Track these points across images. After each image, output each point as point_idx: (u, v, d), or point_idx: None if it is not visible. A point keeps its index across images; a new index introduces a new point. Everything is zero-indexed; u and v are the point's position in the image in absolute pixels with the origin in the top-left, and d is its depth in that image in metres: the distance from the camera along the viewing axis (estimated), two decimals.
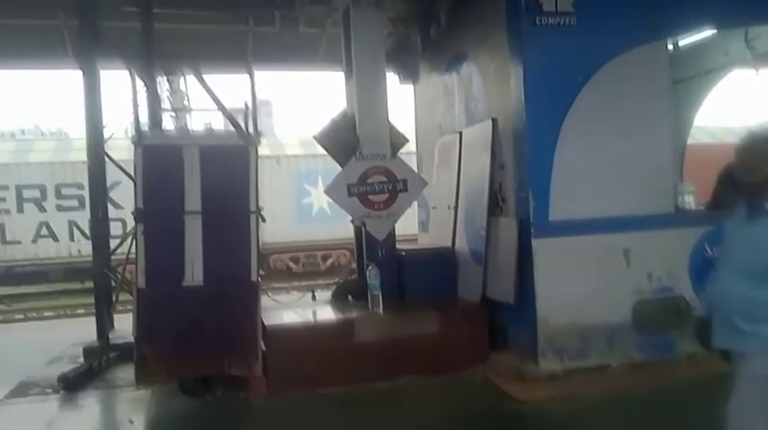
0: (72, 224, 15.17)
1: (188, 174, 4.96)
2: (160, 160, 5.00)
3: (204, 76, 5.65)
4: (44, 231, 15.20)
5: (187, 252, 4.89)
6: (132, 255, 5.18)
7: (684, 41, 6.99)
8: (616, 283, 5.14)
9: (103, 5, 6.92)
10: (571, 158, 5.09)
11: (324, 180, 14.35)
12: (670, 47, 6.12)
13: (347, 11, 6.08)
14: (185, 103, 12.80)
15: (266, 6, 7.84)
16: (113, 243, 7.23)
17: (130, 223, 5.76)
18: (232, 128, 5.36)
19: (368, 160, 5.84)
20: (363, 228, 5.89)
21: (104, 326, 6.67)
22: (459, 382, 5.12)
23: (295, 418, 4.63)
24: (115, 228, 8.45)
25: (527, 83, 5.07)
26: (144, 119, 7.12)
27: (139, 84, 7.04)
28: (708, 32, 6.33)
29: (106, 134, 6.95)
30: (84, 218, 12.37)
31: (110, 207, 7.25)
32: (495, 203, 5.63)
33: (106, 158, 6.97)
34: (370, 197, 5.84)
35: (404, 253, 6.11)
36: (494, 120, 5.67)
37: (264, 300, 5.58)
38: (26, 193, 15.12)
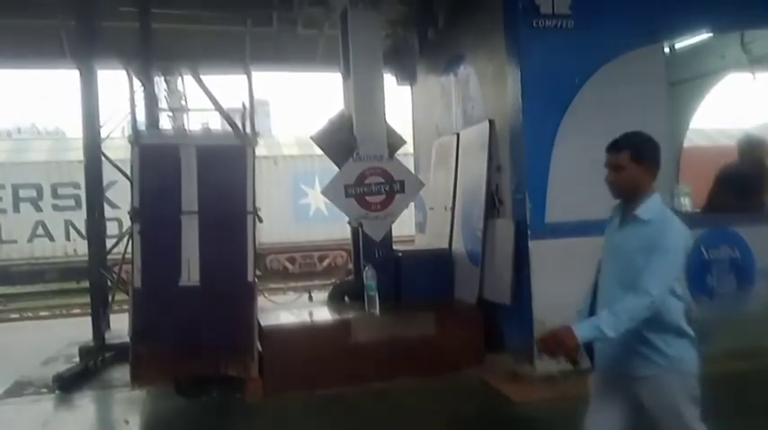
0: (68, 223, 15.12)
1: (185, 174, 4.95)
2: (157, 160, 5.00)
3: (202, 77, 5.65)
4: (40, 231, 15.15)
5: (183, 252, 4.89)
6: (128, 255, 5.18)
7: (681, 44, 7.01)
8: None
9: (101, 5, 6.91)
10: (567, 160, 5.10)
11: (321, 181, 14.32)
12: (666, 50, 6.14)
13: (345, 12, 6.09)
14: (182, 102, 12.78)
15: (264, 7, 7.84)
16: (110, 243, 7.22)
17: (127, 223, 5.75)
18: (229, 128, 5.37)
19: (365, 161, 5.85)
20: (360, 229, 5.90)
21: (100, 325, 6.65)
22: (456, 383, 5.13)
23: (291, 419, 4.63)
24: (111, 228, 8.41)
25: (524, 85, 5.09)
26: (141, 118, 7.12)
27: (137, 83, 7.04)
28: (704, 36, 6.35)
29: (103, 134, 6.94)
30: (80, 217, 12.32)
31: (106, 206, 7.24)
32: (492, 205, 5.64)
33: (103, 158, 6.96)
34: (367, 198, 5.84)
35: (401, 254, 6.12)
36: (491, 122, 5.68)
37: (261, 301, 5.58)
38: (22, 193, 15.08)
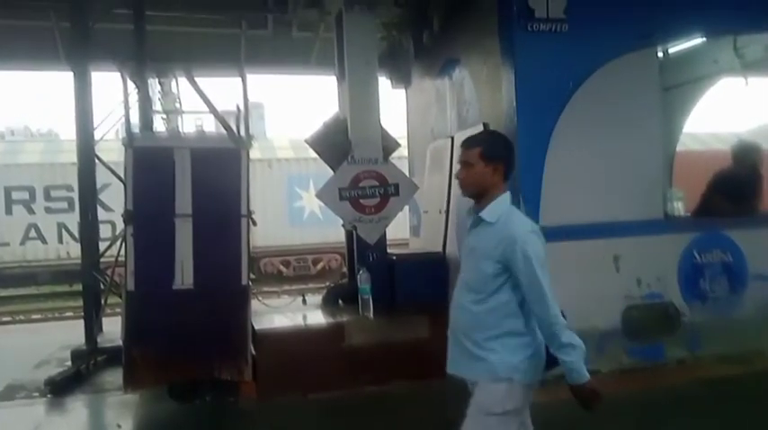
0: (61, 226, 15.08)
1: (179, 177, 4.93)
2: (151, 162, 4.97)
3: (196, 79, 5.63)
4: (33, 233, 15.10)
5: (177, 255, 4.86)
6: (122, 258, 5.15)
7: (674, 49, 7.05)
8: (606, 289, 5.16)
9: (95, 7, 6.88)
10: (561, 164, 5.12)
11: (315, 184, 14.34)
12: (660, 54, 6.17)
13: (340, 15, 6.09)
14: (177, 105, 12.77)
15: (259, 10, 7.83)
16: (103, 245, 7.18)
17: (120, 225, 5.73)
18: (224, 130, 5.35)
19: (360, 164, 5.84)
20: (354, 232, 5.89)
21: (93, 329, 6.61)
22: (449, 387, 5.11)
23: (285, 423, 4.61)
24: (105, 231, 8.40)
25: (519, 88, 5.10)
26: (135, 121, 7.10)
27: (131, 86, 7.02)
28: (697, 40, 6.39)
29: (97, 136, 6.92)
30: (73, 220, 12.30)
31: (99, 209, 7.20)
32: None
33: (96, 160, 6.93)
34: (361, 201, 5.84)
35: (395, 257, 6.11)
36: (485, 125, 5.69)
37: (255, 304, 5.55)
38: (15, 195, 15.02)
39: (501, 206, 2.50)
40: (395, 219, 6.03)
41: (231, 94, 5.99)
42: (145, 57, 7.13)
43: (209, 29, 8.16)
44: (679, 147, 8.45)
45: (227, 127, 5.33)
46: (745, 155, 6.30)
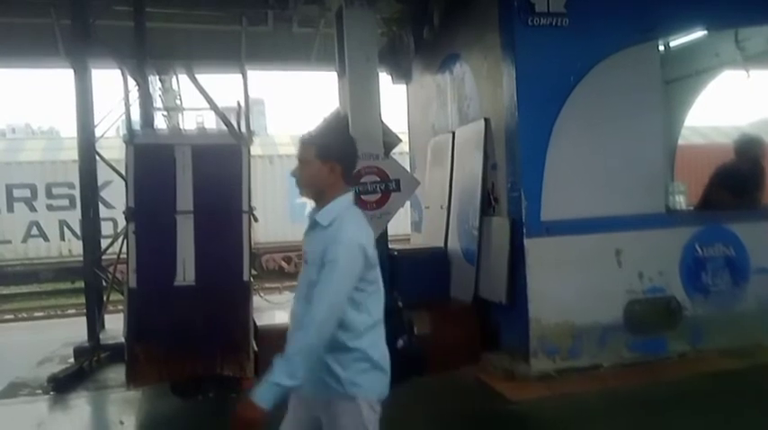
0: (63, 223, 15.08)
1: (180, 174, 4.93)
2: (152, 159, 4.97)
3: (197, 75, 5.63)
4: (34, 231, 15.10)
5: (179, 251, 4.87)
6: (123, 255, 5.15)
7: (675, 42, 7.03)
8: (608, 283, 5.16)
9: (96, 4, 6.88)
10: (563, 158, 5.11)
11: None
12: (661, 48, 6.16)
13: (340, 11, 6.07)
14: (177, 102, 12.78)
15: (259, 6, 7.83)
16: (104, 242, 7.19)
17: (122, 222, 5.73)
18: (224, 127, 5.34)
19: (361, 160, 5.81)
20: None
21: (95, 326, 6.63)
22: (451, 382, 5.13)
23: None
24: (106, 228, 8.39)
25: (519, 83, 5.09)
26: (136, 118, 7.09)
27: (131, 82, 7.01)
28: (698, 34, 6.37)
29: (98, 133, 6.91)
30: (74, 217, 12.31)
31: (101, 206, 7.21)
32: (488, 203, 5.65)
33: (97, 157, 6.94)
34: (362, 197, 5.82)
35: (396, 253, 6.11)
36: (486, 120, 5.69)
37: (257, 300, 5.56)
38: (16, 193, 15.02)
39: (337, 208, 2.29)
40: (396, 214, 6.03)
41: (232, 90, 5.99)
42: (145, 53, 7.12)
43: (209, 25, 8.16)
44: (681, 141, 8.44)
45: (227, 123, 5.32)
46: (747, 148, 6.28)
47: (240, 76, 5.52)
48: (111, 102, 6.89)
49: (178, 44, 8.14)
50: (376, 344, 2.32)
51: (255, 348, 4.99)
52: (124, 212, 4.95)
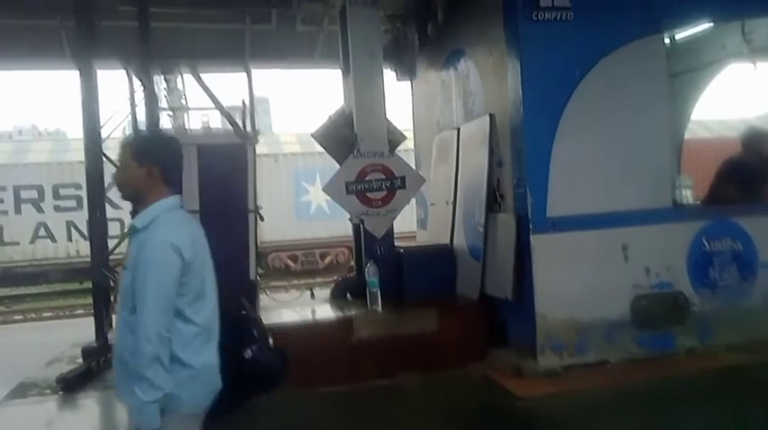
0: (70, 224, 15.15)
1: (186, 173, 4.91)
2: None
3: (201, 75, 5.64)
4: (42, 232, 15.18)
5: None
6: None
7: (681, 35, 6.98)
8: (614, 279, 5.14)
9: (100, 5, 6.89)
10: (569, 153, 5.08)
11: (322, 178, 14.34)
12: (667, 41, 6.12)
13: (344, 8, 6.07)
14: (182, 101, 12.80)
15: (263, 5, 7.83)
16: (111, 243, 7.22)
17: (128, 223, 5.75)
18: (230, 126, 5.36)
19: (366, 158, 5.84)
20: (362, 226, 5.89)
21: (103, 326, 6.65)
22: (459, 379, 5.12)
23: (294, 417, 4.62)
24: (113, 228, 8.41)
25: (524, 78, 5.07)
26: (141, 118, 7.12)
27: (137, 83, 7.03)
28: (704, 26, 6.32)
29: (104, 134, 6.94)
30: (82, 218, 12.37)
31: (108, 207, 7.23)
32: (494, 199, 5.63)
33: (104, 158, 6.96)
34: (368, 194, 5.83)
35: (402, 250, 6.11)
36: (491, 116, 5.67)
37: (263, 299, 5.57)
38: (24, 194, 15.09)
39: (155, 211, 2.25)
40: (402, 211, 6.03)
41: (236, 89, 6.01)
42: (150, 54, 7.14)
43: (213, 25, 8.17)
44: (687, 135, 8.39)
45: (233, 122, 5.34)
46: (754, 141, 6.24)
47: (245, 74, 5.53)
48: (117, 102, 6.93)
49: (182, 44, 8.15)
50: (198, 354, 2.24)
51: None
52: (131, 213, 4.96)
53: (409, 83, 8.16)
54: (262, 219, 5.21)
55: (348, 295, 6.22)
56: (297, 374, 4.95)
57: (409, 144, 7.47)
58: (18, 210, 15.06)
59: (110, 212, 7.42)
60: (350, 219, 6.16)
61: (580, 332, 5.05)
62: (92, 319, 6.82)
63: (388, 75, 7.47)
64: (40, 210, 15.16)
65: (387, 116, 6.01)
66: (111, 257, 7.12)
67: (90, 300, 7.38)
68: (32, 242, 15.19)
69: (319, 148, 6.57)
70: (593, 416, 4.28)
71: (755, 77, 7.80)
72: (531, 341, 5.03)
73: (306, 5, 7.43)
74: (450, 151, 6.55)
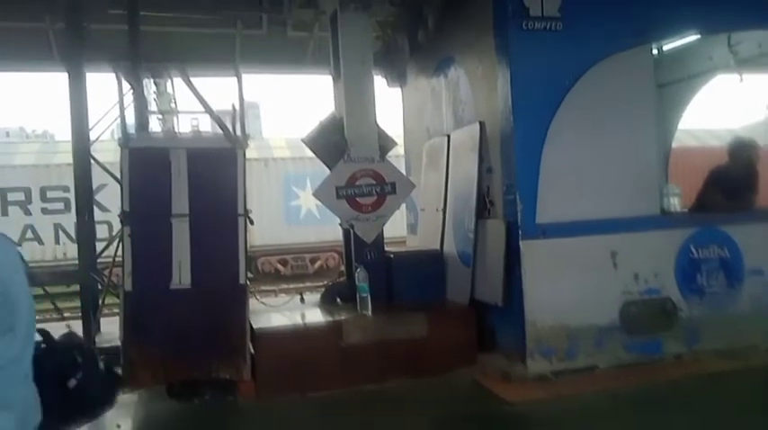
0: (58, 227, 15.05)
1: (175, 177, 4.93)
2: (147, 163, 4.96)
3: (191, 79, 5.63)
4: (29, 234, 15.07)
5: (174, 255, 4.86)
6: (119, 258, 5.14)
7: (669, 46, 7.06)
8: (603, 285, 5.18)
9: (90, 8, 6.87)
10: (558, 161, 5.13)
11: (312, 183, 14.33)
12: (655, 51, 6.19)
13: (335, 14, 6.09)
14: (172, 105, 12.75)
15: (254, 9, 7.83)
16: (99, 246, 7.17)
17: (117, 226, 5.71)
18: (219, 130, 5.34)
19: (356, 163, 5.85)
20: (352, 231, 5.90)
21: (91, 329, 6.59)
22: (448, 384, 5.13)
23: (284, 421, 4.62)
24: (101, 231, 8.38)
25: (514, 86, 5.11)
26: (130, 121, 7.07)
27: (126, 86, 6.99)
28: (692, 37, 6.40)
29: (92, 136, 6.90)
30: (69, 220, 12.29)
31: (96, 209, 7.19)
32: (483, 206, 5.66)
33: (92, 161, 6.92)
34: (358, 199, 5.85)
35: (392, 255, 6.12)
36: (481, 124, 5.70)
37: (253, 303, 5.56)
38: (11, 196, 14.99)
39: None
40: (392, 217, 6.04)
41: (227, 93, 5.99)
42: (140, 57, 7.10)
43: (203, 29, 8.15)
44: (675, 144, 8.48)
45: (222, 126, 5.33)
46: (740, 151, 6.33)
47: (235, 79, 5.52)
48: (106, 105, 6.88)
49: (173, 47, 8.12)
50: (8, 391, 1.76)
51: (252, 351, 4.99)
52: (119, 216, 4.94)
53: (400, 89, 8.19)
54: (251, 223, 5.19)
55: (338, 300, 6.21)
56: (286, 379, 4.97)
57: (400, 150, 7.49)
58: (5, 213, 14.96)
59: (98, 215, 7.39)
60: (340, 224, 6.16)
61: (569, 337, 5.09)
62: (79, 322, 6.77)
63: (379, 81, 7.50)
64: (27, 212, 15.06)
65: (377, 122, 6.02)
66: (98, 260, 7.08)
67: (77, 303, 7.31)
68: (19, 244, 15.03)
69: (309, 153, 6.58)
70: (583, 421, 4.30)
71: (742, 88, 7.90)
72: (520, 346, 5.05)
73: (297, 11, 7.43)
74: (441, 158, 6.58)
